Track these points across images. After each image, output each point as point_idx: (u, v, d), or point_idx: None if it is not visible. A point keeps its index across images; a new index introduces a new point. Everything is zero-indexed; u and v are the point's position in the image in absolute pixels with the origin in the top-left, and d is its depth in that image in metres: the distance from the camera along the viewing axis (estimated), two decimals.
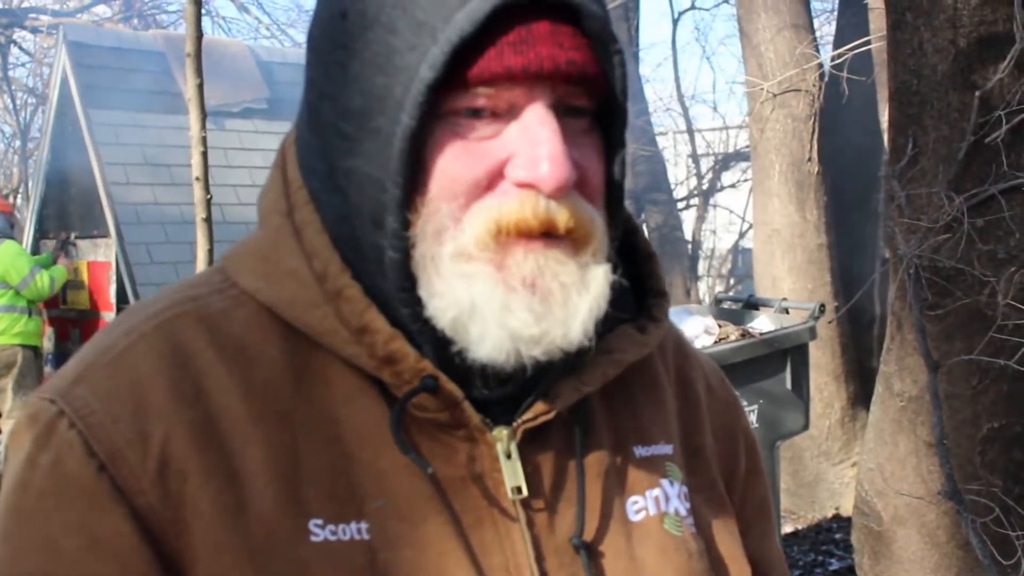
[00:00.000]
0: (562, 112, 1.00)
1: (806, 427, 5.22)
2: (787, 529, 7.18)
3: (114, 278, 10.07)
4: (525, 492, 1.05)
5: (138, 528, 0.95)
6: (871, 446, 4.38)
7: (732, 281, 15.98)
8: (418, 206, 0.98)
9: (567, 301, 0.99)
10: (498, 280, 0.98)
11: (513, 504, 1.06)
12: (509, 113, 0.99)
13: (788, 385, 5.00)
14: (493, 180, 0.99)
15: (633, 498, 1.13)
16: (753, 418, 4.92)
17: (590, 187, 1.03)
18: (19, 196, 17.91)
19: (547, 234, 0.99)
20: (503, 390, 1.06)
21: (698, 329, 5.02)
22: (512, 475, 1.05)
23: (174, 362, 1.01)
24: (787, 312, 5.43)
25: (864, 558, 4.43)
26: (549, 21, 0.97)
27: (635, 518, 1.13)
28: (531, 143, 0.97)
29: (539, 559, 1.05)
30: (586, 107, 1.02)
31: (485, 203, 0.98)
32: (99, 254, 10.31)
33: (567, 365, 1.06)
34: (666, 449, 1.19)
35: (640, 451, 1.17)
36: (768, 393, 4.97)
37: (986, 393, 3.97)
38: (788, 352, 4.99)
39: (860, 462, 4.63)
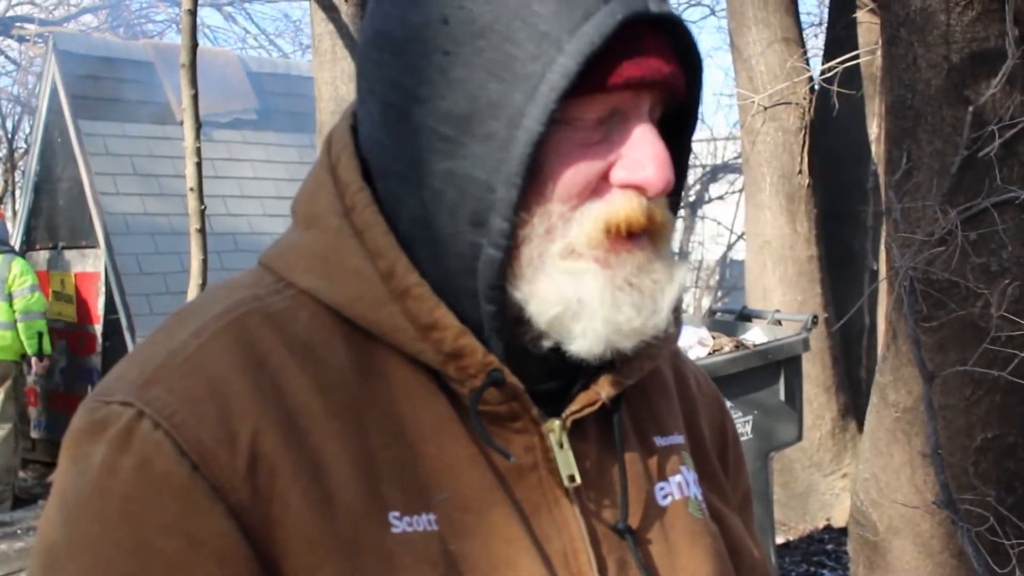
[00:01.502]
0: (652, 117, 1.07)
1: (799, 438, 5.24)
2: (779, 540, 7.19)
3: (103, 289, 10.03)
4: (579, 480, 1.09)
5: (235, 526, 0.96)
6: (866, 456, 4.41)
7: (720, 293, 16.00)
8: (530, 207, 1.03)
9: (656, 295, 1.07)
10: (607, 278, 1.04)
11: (567, 492, 1.10)
12: (612, 118, 1.05)
13: (782, 396, 5.03)
14: (599, 184, 1.05)
15: (660, 484, 1.19)
16: (747, 429, 4.94)
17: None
18: (3, 206, 17.83)
19: (635, 234, 1.05)
20: (549, 384, 1.12)
21: (692, 340, 5.04)
22: (566, 464, 1.09)
23: (250, 361, 1.02)
24: (780, 324, 5.46)
25: (859, 568, 4.45)
26: (654, 33, 1.04)
27: (664, 503, 1.18)
28: (639, 148, 1.04)
29: (594, 543, 1.09)
30: (662, 113, 1.09)
31: (594, 204, 1.04)
32: (88, 265, 10.27)
33: (603, 360, 1.10)
34: (679, 439, 1.25)
35: (660, 441, 1.23)
36: (762, 404, 4.99)
37: (980, 404, 4.00)
38: (782, 364, 5.02)
39: (855, 472, 4.65)
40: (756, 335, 5.31)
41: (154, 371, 1.02)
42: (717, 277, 16.29)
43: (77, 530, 0.97)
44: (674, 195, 1.14)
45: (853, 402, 7.51)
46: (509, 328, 1.06)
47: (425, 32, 1.03)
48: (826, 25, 8.70)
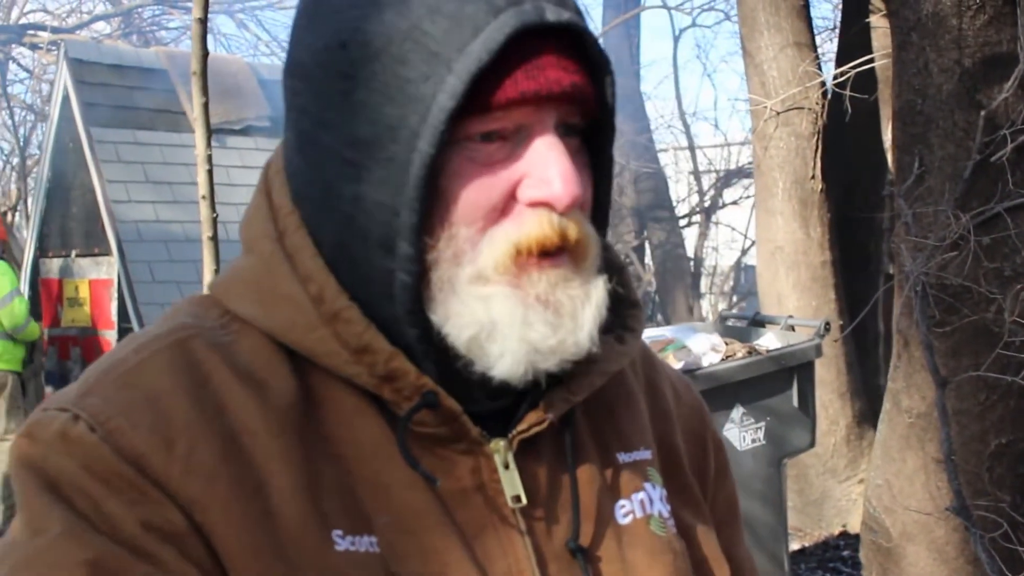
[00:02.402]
0: (562, 131, 1.04)
1: (812, 444, 5.21)
2: (794, 547, 7.16)
3: (115, 296, 10.04)
4: (524, 501, 1.09)
5: (187, 520, 0.96)
6: (879, 462, 4.39)
7: (735, 299, 15.97)
8: (435, 231, 1.02)
9: (576, 312, 1.05)
10: (517, 298, 1.03)
11: (513, 513, 1.09)
12: (516, 135, 1.03)
13: (795, 403, 5.00)
14: (507, 204, 1.03)
15: (620, 502, 1.17)
16: (760, 435, 4.92)
17: (584, 203, 1.08)
18: (17, 213, 17.89)
19: (550, 252, 1.03)
20: (498, 403, 1.11)
21: (704, 346, 5.02)
22: (511, 485, 1.09)
23: (192, 379, 1.02)
24: (793, 329, 5.44)
25: (872, 575, 4.43)
26: (553, 45, 1.01)
27: (623, 521, 1.16)
28: (543, 164, 1.02)
29: (541, 564, 1.08)
30: (578, 125, 1.07)
31: (502, 227, 1.03)
32: (100, 272, 10.28)
33: (553, 377, 1.10)
34: (646, 454, 1.23)
35: (623, 457, 1.21)
36: (775, 410, 4.97)
37: (994, 409, 3.99)
38: (795, 370, 4.99)
39: (868, 479, 4.63)
40: (769, 341, 5.29)
41: (92, 384, 1.03)
42: (731, 283, 16.27)
43: (32, 528, 0.97)
44: (600, 209, 1.13)
45: (869, 408, 7.46)
46: (440, 351, 1.05)
47: (327, 57, 1.04)
48: (839, 30, 8.66)
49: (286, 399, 1.04)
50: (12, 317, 8.46)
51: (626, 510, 1.17)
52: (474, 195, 1.02)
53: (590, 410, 1.20)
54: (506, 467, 1.09)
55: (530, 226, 1.02)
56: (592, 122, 1.09)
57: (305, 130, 1.07)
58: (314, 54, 1.05)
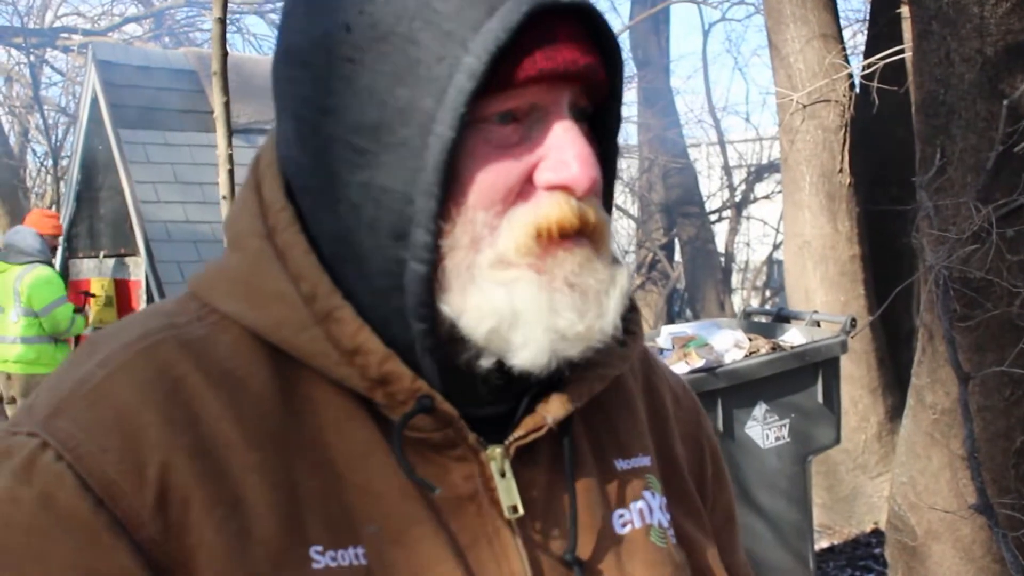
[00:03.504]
0: (575, 114, 1.02)
1: (838, 441, 5.15)
2: (823, 544, 7.11)
3: (144, 297, 10.09)
4: (521, 510, 1.05)
5: (141, 563, 0.92)
6: (904, 459, 4.34)
7: (767, 294, 15.88)
8: (449, 216, 0.98)
9: (601, 297, 1.02)
10: (541, 284, 0.99)
11: (509, 523, 1.05)
12: (531, 116, 1.00)
13: (820, 399, 4.94)
14: (523, 187, 1.00)
15: (619, 512, 1.14)
16: (784, 432, 4.86)
17: (598, 190, 1.05)
18: None
19: (569, 236, 1.00)
20: (493, 408, 1.07)
21: (728, 343, 4.97)
22: (507, 494, 1.05)
23: (161, 388, 0.98)
24: (818, 325, 5.37)
25: (898, 574, 4.37)
26: (567, 24, 0.99)
27: (622, 531, 1.13)
28: (560, 147, 0.99)
29: None
30: (587, 109, 1.05)
31: (520, 209, 0.99)
32: (129, 273, 10.34)
33: (550, 382, 1.07)
34: (644, 461, 1.19)
35: (621, 464, 1.17)
36: (799, 407, 4.91)
37: (1019, 405, 3.92)
38: (819, 366, 4.93)
39: (893, 476, 4.57)
40: (794, 337, 5.23)
41: (59, 403, 0.98)
42: (764, 278, 16.17)
43: None
44: (606, 195, 1.09)
45: (900, 404, 7.37)
46: (443, 347, 1.01)
47: (329, 41, 1.00)
48: (868, 22, 8.58)
49: (268, 404, 1.00)
50: (54, 324, 8.61)
51: (625, 520, 1.13)
52: (492, 178, 0.98)
53: (587, 415, 1.16)
54: (502, 475, 1.05)
55: (549, 208, 0.99)
56: (598, 108, 1.06)
57: (305, 119, 1.02)
58: (313, 39, 1.01)
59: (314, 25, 1.01)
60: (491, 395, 1.06)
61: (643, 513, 1.15)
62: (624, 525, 1.13)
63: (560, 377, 1.07)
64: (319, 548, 0.97)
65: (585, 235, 1.01)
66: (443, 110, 0.95)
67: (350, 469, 1.01)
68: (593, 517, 1.11)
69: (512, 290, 0.98)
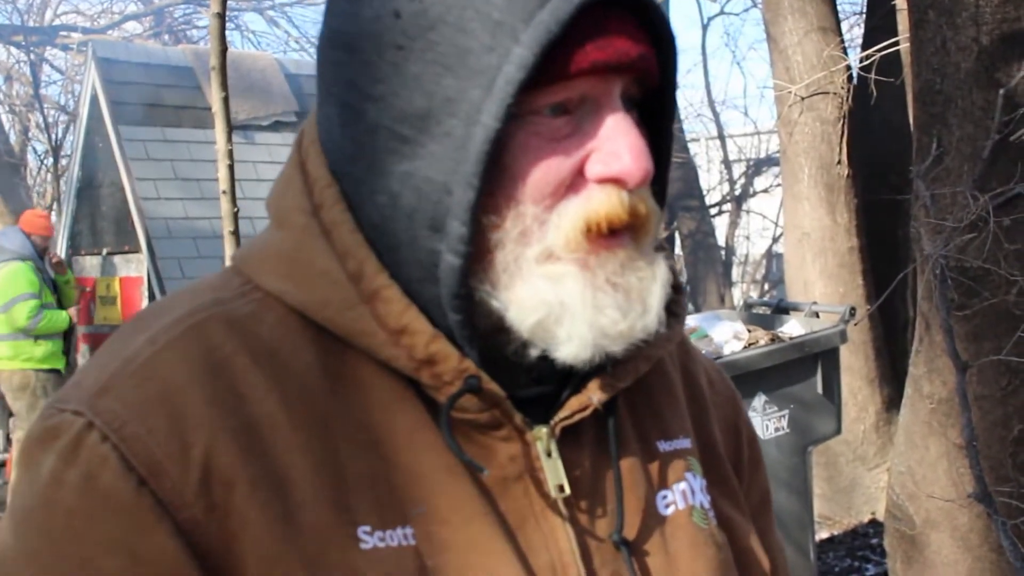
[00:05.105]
0: (625, 103, 1.01)
1: (838, 432, 5.15)
2: (823, 535, 7.12)
3: (146, 293, 10.10)
4: (568, 490, 1.04)
5: (183, 544, 0.92)
6: (902, 449, 4.34)
7: (767, 286, 15.88)
8: (500, 209, 0.98)
9: (644, 294, 1.02)
10: (586, 280, 0.99)
11: (556, 503, 1.04)
12: (581, 108, 0.99)
13: (819, 389, 4.94)
14: (574, 180, 0.99)
15: (662, 493, 1.13)
16: (784, 423, 4.87)
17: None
18: (52, 213, 18.05)
19: (615, 231, 1.00)
20: (540, 389, 1.07)
21: (727, 334, 4.98)
22: (554, 473, 1.04)
23: (208, 368, 0.97)
24: (817, 316, 5.38)
25: (897, 563, 4.38)
26: (618, 15, 0.98)
27: (666, 512, 1.12)
28: (613, 138, 0.98)
29: (584, 556, 1.04)
30: (637, 98, 1.04)
31: (571, 203, 0.98)
32: (131, 269, 10.36)
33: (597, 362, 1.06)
34: (685, 443, 1.19)
35: (664, 446, 1.16)
36: (799, 398, 4.92)
37: (1016, 394, 3.93)
38: (819, 356, 4.93)
39: (891, 466, 4.58)
40: (793, 328, 5.23)
41: (108, 379, 0.97)
42: (763, 271, 16.17)
43: (23, 542, 0.94)
44: (658, 185, 1.08)
45: (898, 394, 7.37)
46: (485, 337, 1.01)
47: (378, 27, 0.98)
48: (865, 14, 8.59)
49: (313, 384, 1.00)
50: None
51: (668, 501, 1.13)
52: (542, 171, 0.97)
53: (629, 396, 1.15)
54: (548, 455, 1.04)
55: (599, 202, 0.98)
56: (648, 95, 1.05)
57: (350, 104, 1.01)
58: (361, 23, 0.99)
59: (364, 10, 1.00)
60: (536, 379, 1.06)
61: (686, 494, 1.14)
62: (668, 506, 1.13)
63: (602, 360, 1.05)
64: (367, 528, 0.96)
65: (630, 230, 1.01)
66: (490, 101, 0.93)
67: (396, 450, 1.00)
68: (638, 498, 1.10)
69: (560, 284, 0.98)
